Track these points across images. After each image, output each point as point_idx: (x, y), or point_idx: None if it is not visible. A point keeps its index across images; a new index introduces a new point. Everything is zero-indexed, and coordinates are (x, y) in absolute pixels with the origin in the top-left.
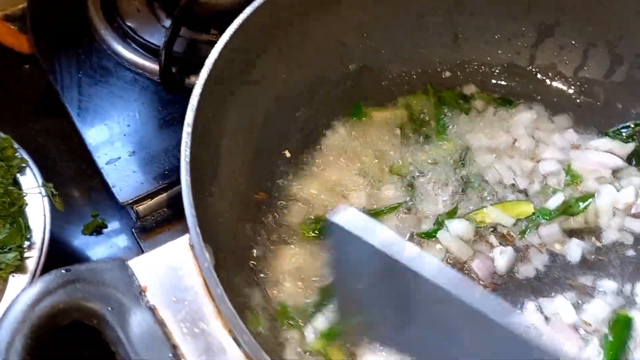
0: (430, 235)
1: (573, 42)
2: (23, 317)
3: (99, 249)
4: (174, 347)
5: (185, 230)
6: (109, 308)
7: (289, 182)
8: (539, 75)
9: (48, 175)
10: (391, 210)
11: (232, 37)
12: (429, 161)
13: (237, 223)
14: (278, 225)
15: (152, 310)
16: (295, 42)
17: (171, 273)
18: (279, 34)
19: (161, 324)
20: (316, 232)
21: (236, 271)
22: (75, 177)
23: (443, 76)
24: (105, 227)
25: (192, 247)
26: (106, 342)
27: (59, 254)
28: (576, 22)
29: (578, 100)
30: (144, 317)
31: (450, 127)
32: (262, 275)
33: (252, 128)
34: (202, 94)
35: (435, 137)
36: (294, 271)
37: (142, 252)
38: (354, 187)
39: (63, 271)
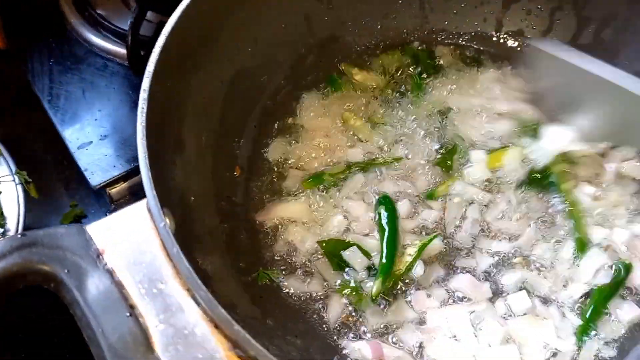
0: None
1: (539, 6)
2: None
3: None
4: (132, 307)
5: None
6: (66, 271)
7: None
8: (508, 43)
9: (27, 167)
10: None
11: (191, 4)
12: (411, 118)
13: (211, 198)
14: (271, 193)
15: (110, 272)
16: (258, 13)
17: (130, 236)
18: (243, 5)
19: (119, 285)
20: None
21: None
22: (53, 168)
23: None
24: (85, 216)
25: (149, 210)
26: (64, 305)
27: None
28: None
29: None
30: (102, 279)
31: (425, 87)
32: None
33: (216, 100)
34: (158, 61)
35: (412, 96)
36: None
37: None
38: (343, 145)
39: (19, 236)
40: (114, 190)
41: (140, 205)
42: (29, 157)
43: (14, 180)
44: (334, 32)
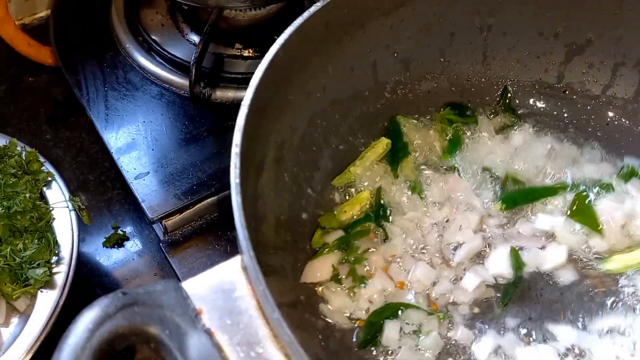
0: None
1: (602, 60)
2: (84, 343)
3: (121, 261)
4: None
5: (214, 244)
6: (167, 332)
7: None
8: (566, 92)
9: (66, 185)
10: None
11: (274, 57)
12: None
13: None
14: None
15: (209, 333)
16: (329, 61)
17: (225, 295)
18: (314, 54)
19: (218, 347)
20: None
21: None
22: (94, 189)
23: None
24: (127, 239)
25: (244, 269)
26: None
27: (81, 267)
28: (607, 41)
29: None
30: (201, 340)
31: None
32: None
33: (289, 149)
34: (247, 115)
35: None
36: None
37: (170, 266)
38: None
39: (120, 294)
40: (170, 222)
41: (234, 262)
42: (68, 175)
43: (67, 207)
44: (397, 80)
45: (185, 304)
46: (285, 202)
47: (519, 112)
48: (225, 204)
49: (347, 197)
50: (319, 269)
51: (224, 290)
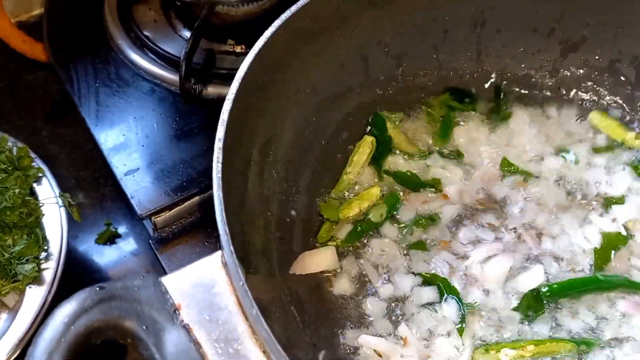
0: None
1: (597, 57)
2: (59, 336)
3: (112, 258)
4: None
5: (204, 242)
6: (144, 327)
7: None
8: (561, 89)
9: (60, 182)
10: None
11: (260, 51)
12: None
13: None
14: None
15: (187, 329)
16: (319, 56)
17: (204, 291)
18: (303, 48)
19: (196, 343)
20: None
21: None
22: (88, 185)
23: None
24: (119, 236)
25: (225, 265)
26: None
27: (73, 263)
28: (602, 38)
29: None
30: (179, 336)
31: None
32: None
33: (278, 144)
34: (231, 109)
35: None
36: None
37: (159, 263)
38: None
39: (97, 288)
40: (159, 219)
41: (215, 258)
42: (63, 172)
43: (57, 203)
44: (388, 76)
45: (164, 298)
46: (275, 199)
47: (511, 108)
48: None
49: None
50: (314, 261)
51: (204, 285)
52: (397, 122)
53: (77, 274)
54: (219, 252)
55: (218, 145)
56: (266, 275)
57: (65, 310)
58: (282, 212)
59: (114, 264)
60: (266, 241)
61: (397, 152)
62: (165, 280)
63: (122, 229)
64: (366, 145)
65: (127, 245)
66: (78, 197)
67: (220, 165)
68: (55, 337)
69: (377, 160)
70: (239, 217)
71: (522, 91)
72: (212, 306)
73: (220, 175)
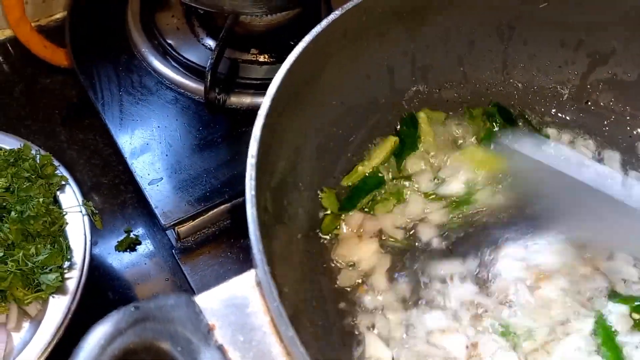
0: None
1: (626, 72)
2: (95, 359)
3: (132, 265)
4: None
5: (227, 252)
6: (179, 348)
7: None
8: (588, 103)
9: (79, 188)
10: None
11: (291, 67)
12: None
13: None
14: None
15: (221, 350)
16: (345, 68)
17: (238, 311)
18: (330, 61)
19: None
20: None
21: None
22: (107, 191)
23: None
24: (139, 243)
25: (258, 284)
26: None
27: (93, 270)
28: (631, 51)
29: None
30: (213, 357)
31: None
32: None
33: (303, 157)
34: (264, 125)
35: None
36: None
37: (181, 271)
38: None
39: (132, 309)
40: (182, 229)
41: (248, 276)
42: (82, 178)
43: (80, 212)
44: (413, 88)
45: (197, 319)
46: (302, 212)
47: (539, 122)
48: (238, 212)
49: None
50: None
51: (237, 305)
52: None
53: (96, 281)
54: (252, 271)
55: (251, 161)
56: (297, 292)
57: (100, 331)
58: (309, 225)
59: (134, 272)
60: (294, 257)
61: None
62: (199, 299)
63: (142, 236)
64: (388, 143)
65: (147, 252)
66: (97, 203)
67: (253, 182)
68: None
69: (398, 155)
70: (267, 233)
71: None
72: (245, 326)
73: (254, 192)
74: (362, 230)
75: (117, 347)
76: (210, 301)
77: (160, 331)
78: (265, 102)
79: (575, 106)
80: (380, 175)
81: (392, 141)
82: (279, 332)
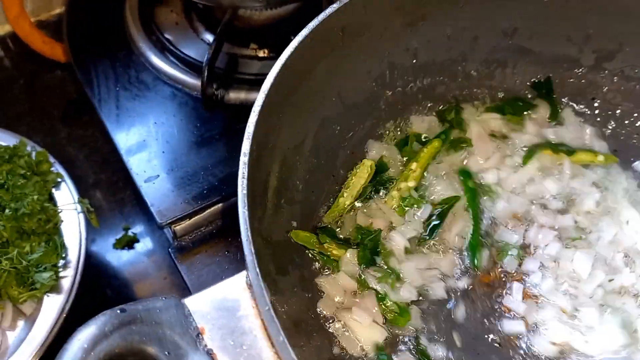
0: None
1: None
2: None
3: (130, 263)
4: None
5: (225, 251)
6: (166, 352)
7: None
8: (594, 99)
9: (78, 185)
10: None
11: (286, 62)
12: None
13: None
14: None
15: (210, 354)
16: (345, 64)
17: (228, 314)
18: (329, 56)
19: None
20: None
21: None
22: (106, 188)
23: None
24: (137, 241)
25: (250, 286)
26: None
27: (90, 267)
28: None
29: None
30: None
31: None
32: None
33: (301, 155)
34: (258, 122)
35: None
36: None
37: (178, 271)
38: None
39: (118, 311)
40: (179, 227)
41: (239, 278)
42: (81, 174)
43: (76, 209)
44: (414, 85)
45: (186, 322)
46: (297, 209)
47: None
48: (236, 210)
49: None
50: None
51: (228, 308)
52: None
53: (94, 278)
54: (244, 273)
55: (243, 160)
56: (291, 294)
57: (84, 335)
58: (307, 223)
59: (132, 270)
60: (290, 257)
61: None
62: (189, 302)
63: (140, 234)
64: (365, 169)
65: (146, 250)
66: (96, 200)
67: (245, 181)
68: None
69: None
70: (262, 233)
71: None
72: (236, 330)
73: (246, 192)
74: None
75: (101, 350)
76: (201, 304)
77: (148, 334)
78: (259, 99)
79: (581, 102)
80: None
81: (368, 166)
82: (270, 337)
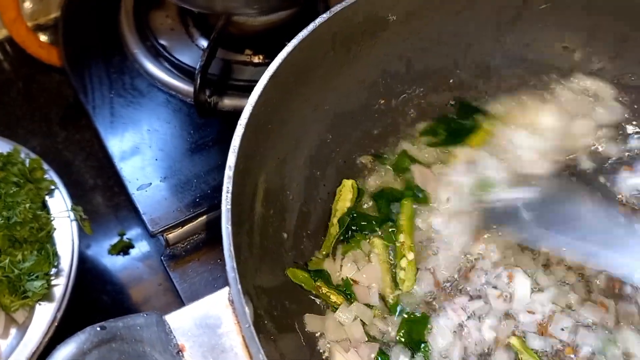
0: None
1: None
2: None
3: (125, 269)
4: None
5: (217, 259)
6: None
7: None
8: None
9: (74, 189)
10: None
11: (275, 72)
12: None
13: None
14: None
15: None
16: (336, 73)
17: (210, 331)
18: (321, 65)
19: None
20: None
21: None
22: (102, 193)
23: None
24: (132, 247)
25: (231, 302)
26: None
27: (85, 273)
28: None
29: None
30: None
31: None
32: None
33: (292, 166)
34: (244, 134)
35: None
36: None
37: (171, 280)
38: None
39: (98, 329)
40: (171, 235)
41: (221, 295)
42: (77, 179)
43: (69, 217)
44: (409, 92)
45: (167, 339)
46: (290, 222)
47: None
48: None
49: None
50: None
51: (209, 325)
52: None
53: (89, 284)
54: (226, 289)
55: (228, 174)
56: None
57: (63, 353)
58: (298, 236)
59: (127, 276)
60: (279, 276)
61: None
62: (170, 318)
63: (135, 239)
64: (347, 191)
65: (141, 256)
66: (92, 204)
67: (230, 195)
68: None
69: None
70: (248, 248)
71: None
72: (216, 348)
73: (230, 207)
74: None
75: None
76: (182, 320)
77: (128, 353)
78: (246, 110)
79: None
80: None
81: (348, 185)
82: (251, 355)
